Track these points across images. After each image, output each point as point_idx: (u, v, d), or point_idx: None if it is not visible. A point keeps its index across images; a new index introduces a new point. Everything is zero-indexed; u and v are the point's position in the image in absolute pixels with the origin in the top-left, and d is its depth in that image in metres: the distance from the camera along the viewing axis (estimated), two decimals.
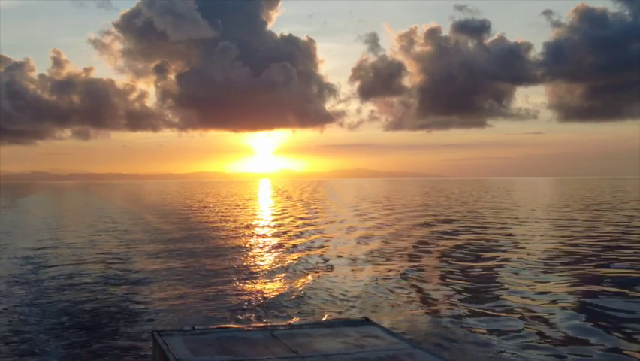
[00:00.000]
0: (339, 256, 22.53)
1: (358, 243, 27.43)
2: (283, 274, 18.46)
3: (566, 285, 16.46)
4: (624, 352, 10.43)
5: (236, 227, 36.84)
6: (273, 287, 16.33)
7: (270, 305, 13.98)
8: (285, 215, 48.82)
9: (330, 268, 19.66)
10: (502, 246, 25.48)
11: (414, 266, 20.08)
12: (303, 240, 29.02)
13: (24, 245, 26.84)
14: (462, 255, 22.75)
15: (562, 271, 18.67)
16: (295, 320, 12.26)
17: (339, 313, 13.06)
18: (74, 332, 11.78)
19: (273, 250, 24.99)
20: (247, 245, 26.96)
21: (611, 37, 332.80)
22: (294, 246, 26.40)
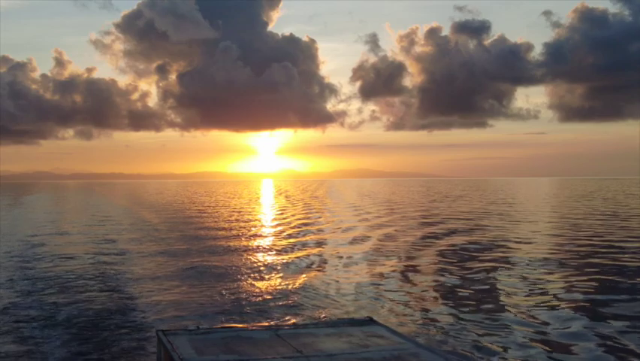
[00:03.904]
0: (338, 256, 22.52)
1: (357, 242, 27.43)
2: (283, 274, 18.46)
3: (563, 285, 16.44)
4: (619, 353, 10.43)
5: (235, 227, 36.83)
6: (274, 287, 16.32)
7: (272, 305, 13.98)
8: (286, 215, 48.82)
9: (330, 268, 19.67)
10: (498, 246, 25.45)
11: (412, 266, 20.07)
12: (303, 239, 29.00)
13: (24, 238, 27.00)
14: (459, 255, 22.74)
15: (559, 271, 18.66)
16: (299, 319, 12.26)
17: (342, 312, 13.05)
18: (76, 331, 11.79)
19: (273, 250, 24.97)
20: (247, 245, 26.94)
21: (611, 38, 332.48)
22: (294, 245, 26.38)
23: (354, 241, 28.04)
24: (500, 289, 15.82)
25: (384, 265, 20.36)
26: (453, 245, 25.87)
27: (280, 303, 14.18)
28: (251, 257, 22.67)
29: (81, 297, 15.09)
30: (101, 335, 11.55)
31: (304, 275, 18.13)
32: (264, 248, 25.81)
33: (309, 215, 48.15)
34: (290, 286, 16.25)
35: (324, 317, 12.62)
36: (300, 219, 43.73)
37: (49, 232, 31.34)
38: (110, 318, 12.84)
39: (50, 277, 17.90)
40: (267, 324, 8.46)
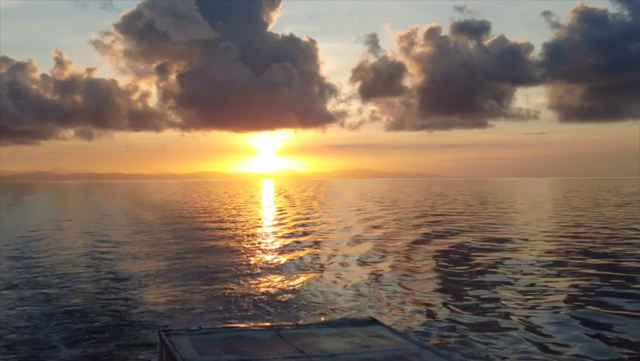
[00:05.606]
0: (338, 256, 22.53)
1: (357, 242, 27.43)
2: (284, 274, 18.47)
3: (563, 284, 16.45)
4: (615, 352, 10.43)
5: (235, 226, 36.82)
6: (275, 287, 16.32)
7: (273, 305, 13.98)
8: (285, 215, 48.80)
9: (331, 268, 19.68)
10: (498, 245, 25.45)
11: (412, 266, 20.08)
12: (302, 239, 28.98)
13: (24, 234, 27.05)
14: (459, 255, 22.76)
15: (559, 271, 18.67)
16: (301, 319, 12.26)
17: (343, 312, 13.05)
18: (78, 329, 11.78)
19: (273, 249, 24.98)
20: (247, 244, 26.93)
21: (611, 38, 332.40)
22: (294, 245, 26.38)
23: (354, 241, 28.03)
24: (500, 289, 15.80)
25: (384, 264, 20.35)
26: (452, 245, 25.86)
27: (281, 303, 14.18)
28: (251, 257, 22.66)
29: (79, 293, 15.10)
30: (101, 334, 11.54)
31: (305, 275, 18.13)
32: (264, 248, 25.80)
33: (309, 215, 48.14)
34: (291, 286, 16.25)
35: (326, 317, 12.61)
36: (299, 219, 43.73)
37: (48, 228, 32.57)
38: (110, 318, 12.83)
39: (49, 269, 18.01)
40: (268, 324, 8.42)
